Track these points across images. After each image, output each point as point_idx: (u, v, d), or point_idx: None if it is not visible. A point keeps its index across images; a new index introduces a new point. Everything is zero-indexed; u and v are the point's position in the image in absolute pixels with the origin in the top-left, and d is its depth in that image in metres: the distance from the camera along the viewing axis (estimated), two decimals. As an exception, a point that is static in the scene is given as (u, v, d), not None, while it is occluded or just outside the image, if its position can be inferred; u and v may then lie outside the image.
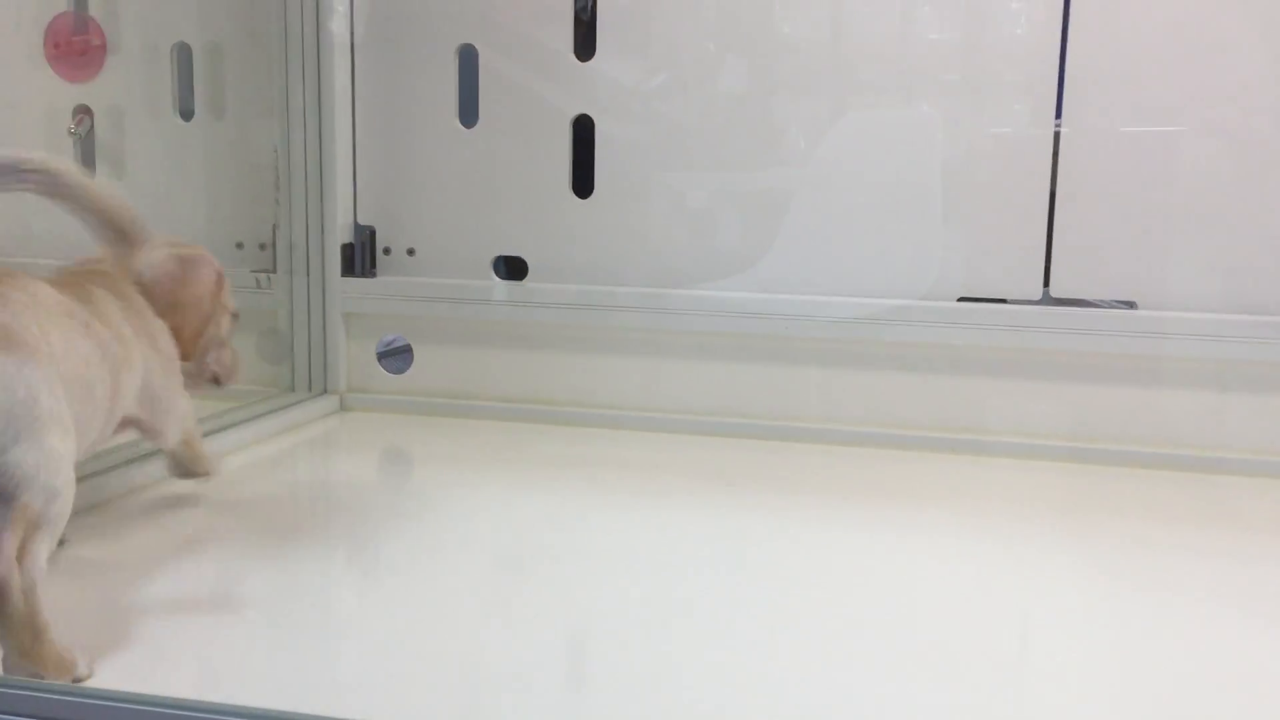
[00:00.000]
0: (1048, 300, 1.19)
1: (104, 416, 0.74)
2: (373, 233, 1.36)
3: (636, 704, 0.62)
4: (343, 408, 1.36)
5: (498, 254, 1.34)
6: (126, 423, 0.81)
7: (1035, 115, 1.17)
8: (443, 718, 0.60)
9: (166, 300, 0.87)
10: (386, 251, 1.37)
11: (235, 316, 0.98)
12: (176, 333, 0.87)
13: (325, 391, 1.36)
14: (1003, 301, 1.20)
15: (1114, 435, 1.18)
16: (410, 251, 1.36)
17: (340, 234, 1.34)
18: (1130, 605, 0.80)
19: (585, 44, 1.29)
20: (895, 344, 1.22)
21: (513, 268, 1.34)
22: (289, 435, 1.23)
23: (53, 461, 0.62)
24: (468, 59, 1.32)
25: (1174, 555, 0.91)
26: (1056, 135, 1.16)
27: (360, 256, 1.36)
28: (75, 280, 0.77)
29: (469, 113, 1.33)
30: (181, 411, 0.88)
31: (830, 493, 1.08)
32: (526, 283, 1.33)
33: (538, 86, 1.30)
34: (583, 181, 1.30)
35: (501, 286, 1.33)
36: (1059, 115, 1.16)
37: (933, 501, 1.05)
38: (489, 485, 1.07)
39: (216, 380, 0.97)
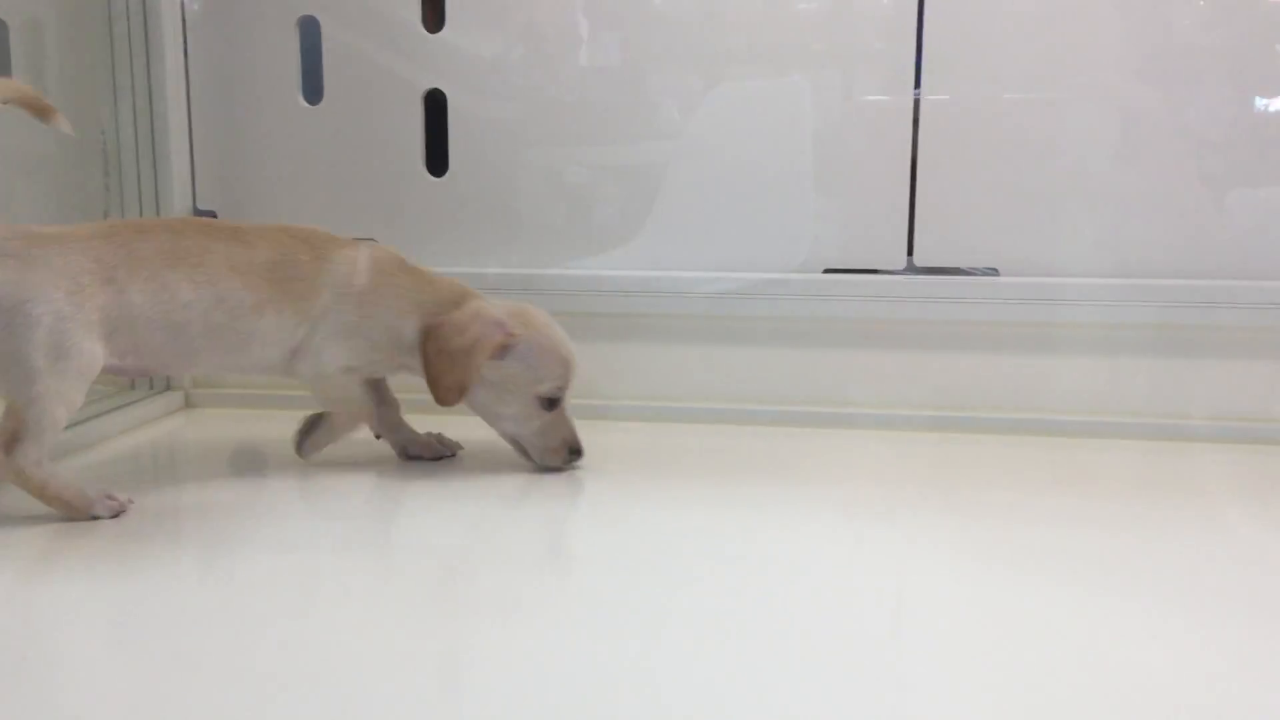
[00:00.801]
0: (912, 269, 1.19)
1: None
2: (213, 217, 1.28)
3: (510, 692, 0.59)
4: (188, 404, 1.29)
5: (350, 237, 1.27)
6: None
7: (895, 84, 1.16)
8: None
9: (437, 346, 0.96)
10: (230, 238, 1.29)
11: None
12: (435, 380, 0.97)
13: (169, 388, 1.28)
14: (869, 272, 1.19)
15: (981, 403, 1.19)
16: (255, 237, 1.29)
17: (178, 220, 1.26)
18: (999, 576, 0.79)
19: (434, 14, 1.23)
20: (763, 318, 1.21)
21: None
22: (130, 435, 1.16)
23: None
24: (309, 31, 1.26)
25: (1042, 524, 0.91)
26: (916, 104, 1.16)
27: (201, 243, 1.28)
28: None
29: (313, 89, 1.27)
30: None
31: (703, 472, 1.05)
32: (381, 267, 1.27)
33: (385, 60, 1.24)
34: (437, 159, 1.25)
35: (355, 271, 1.27)
36: (918, 84, 1.15)
37: (806, 476, 1.04)
38: (341, 482, 1.02)
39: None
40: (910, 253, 1.18)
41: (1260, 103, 1.12)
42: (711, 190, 1.21)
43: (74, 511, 0.87)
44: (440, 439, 1.08)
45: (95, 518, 0.88)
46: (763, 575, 0.79)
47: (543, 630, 0.68)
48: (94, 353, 0.87)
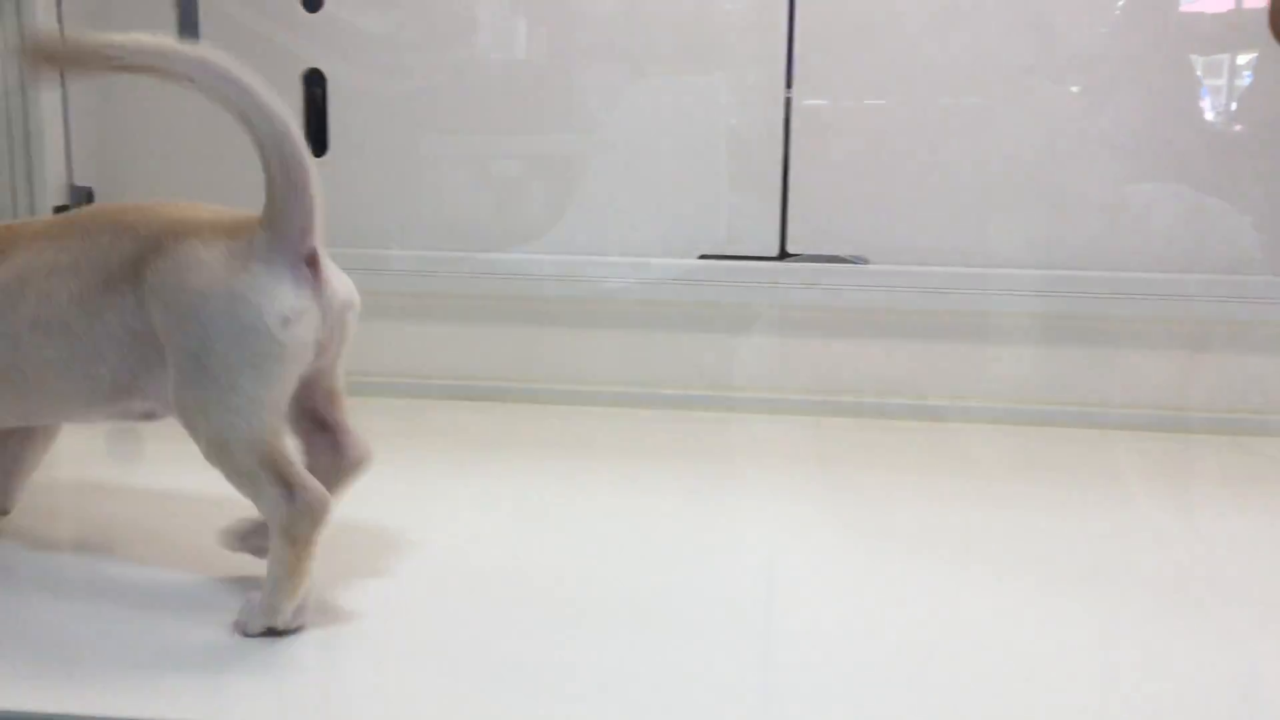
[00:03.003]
0: (785, 257, 1.22)
1: None
2: (90, 194, 1.27)
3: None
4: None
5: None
6: None
7: (769, 84, 1.19)
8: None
9: None
10: (107, 216, 1.28)
11: None
12: None
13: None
14: (743, 258, 1.23)
15: (856, 387, 1.23)
16: (135, 215, 1.28)
17: (53, 196, 1.24)
18: (872, 556, 0.83)
19: (317, -7, 1.22)
20: (647, 302, 1.23)
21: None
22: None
23: None
24: (188, 3, 1.23)
25: (918, 503, 0.95)
26: (788, 103, 1.18)
27: (77, 220, 1.27)
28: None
29: (194, 64, 1.25)
30: None
31: (583, 453, 1.09)
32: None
33: (265, 36, 1.23)
34: (317, 139, 1.25)
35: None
36: (789, 85, 1.17)
37: (688, 458, 1.07)
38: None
39: None
40: (784, 243, 1.22)
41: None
42: (602, 179, 1.24)
43: None
44: None
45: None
46: (631, 556, 0.83)
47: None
48: None
